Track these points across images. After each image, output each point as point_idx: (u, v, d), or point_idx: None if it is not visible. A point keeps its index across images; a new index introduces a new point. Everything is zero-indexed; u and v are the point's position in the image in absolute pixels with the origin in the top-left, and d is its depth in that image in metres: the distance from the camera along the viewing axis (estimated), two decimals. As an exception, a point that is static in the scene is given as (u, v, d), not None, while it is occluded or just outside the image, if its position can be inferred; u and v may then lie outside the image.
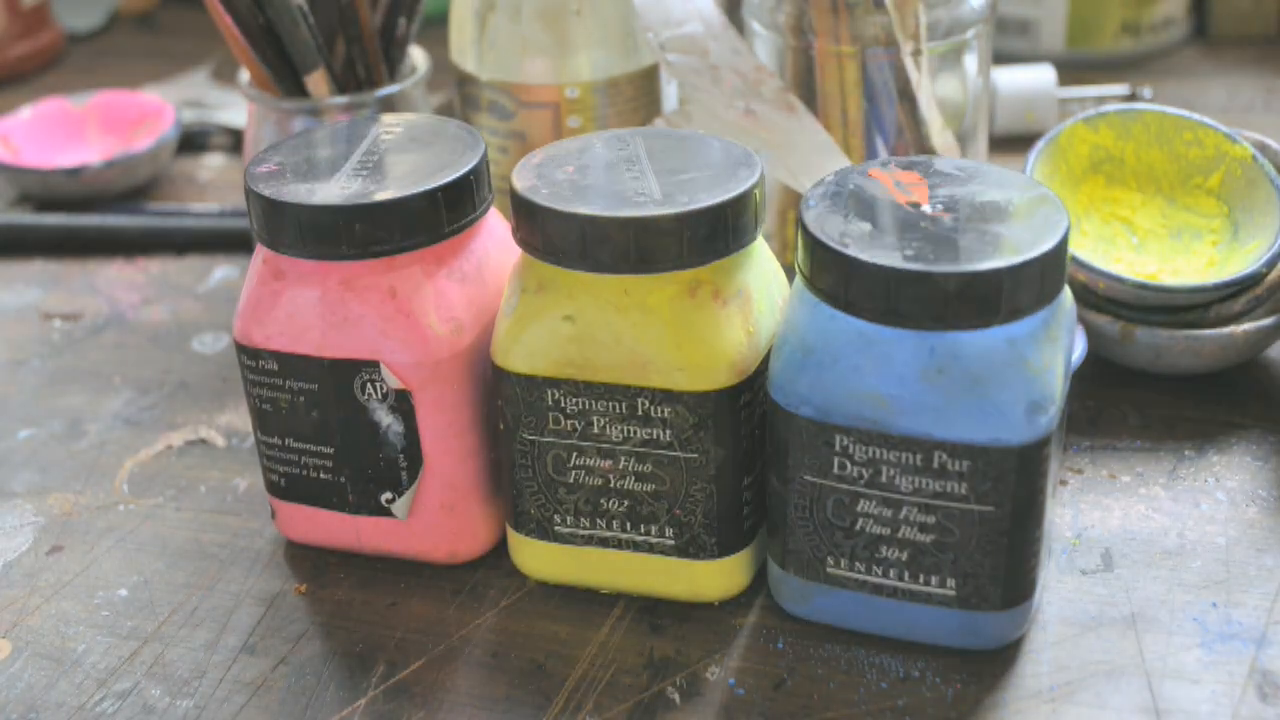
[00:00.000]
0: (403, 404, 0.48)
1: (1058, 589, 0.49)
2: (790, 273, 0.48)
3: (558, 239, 0.45)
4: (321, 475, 0.51)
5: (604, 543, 0.49)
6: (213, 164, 0.83)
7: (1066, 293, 0.45)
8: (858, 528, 0.45)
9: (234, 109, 0.88)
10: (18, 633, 0.50)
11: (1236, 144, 0.59)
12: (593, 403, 0.46)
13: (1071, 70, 0.87)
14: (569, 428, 0.47)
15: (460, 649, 0.48)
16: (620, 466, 0.47)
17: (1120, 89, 0.82)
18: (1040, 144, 0.59)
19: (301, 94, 0.62)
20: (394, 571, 0.52)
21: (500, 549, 0.52)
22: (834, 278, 0.43)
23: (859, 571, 0.46)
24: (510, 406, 0.48)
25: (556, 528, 0.49)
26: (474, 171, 0.48)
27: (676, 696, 0.46)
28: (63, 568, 0.53)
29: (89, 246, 0.74)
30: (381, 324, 0.48)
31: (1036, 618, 0.48)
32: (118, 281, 0.72)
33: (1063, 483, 0.54)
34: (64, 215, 0.75)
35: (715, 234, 0.45)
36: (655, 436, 0.46)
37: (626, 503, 0.48)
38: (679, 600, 0.49)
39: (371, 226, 0.47)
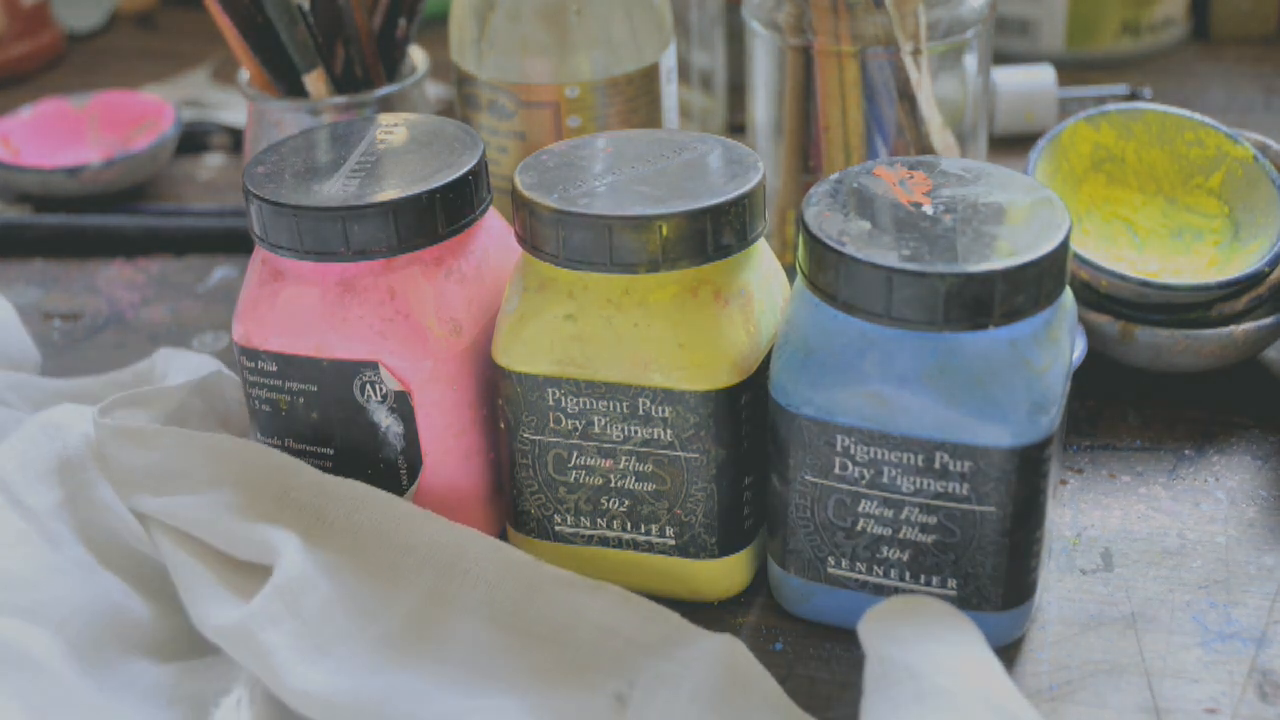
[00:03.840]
0: (402, 405, 0.48)
1: (1058, 589, 0.49)
2: (790, 273, 0.48)
3: (559, 239, 0.45)
4: (321, 475, 0.51)
5: (604, 542, 0.49)
6: (213, 164, 0.83)
7: (1068, 293, 0.45)
8: (859, 528, 0.45)
9: (234, 109, 0.88)
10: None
11: (1238, 144, 0.59)
12: (593, 402, 0.46)
13: (1071, 70, 0.87)
14: (570, 427, 0.47)
15: (460, 649, 0.48)
16: (621, 466, 0.47)
17: (1120, 89, 0.82)
18: (1042, 142, 0.59)
19: (301, 94, 0.62)
20: (394, 572, 0.52)
21: (500, 549, 0.52)
22: (832, 277, 0.43)
23: (860, 572, 0.46)
24: (511, 406, 0.48)
25: (557, 527, 0.49)
26: (473, 172, 0.48)
27: (677, 697, 0.46)
28: (63, 568, 0.53)
29: (89, 246, 0.74)
30: (380, 325, 0.48)
31: (1036, 617, 0.48)
32: (118, 281, 0.72)
33: (1063, 482, 0.54)
34: (64, 215, 0.75)
35: (717, 234, 0.45)
36: (656, 436, 0.46)
37: (627, 502, 0.48)
38: (679, 600, 0.49)
39: (370, 227, 0.47)
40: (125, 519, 0.48)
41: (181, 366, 0.57)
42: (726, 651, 0.44)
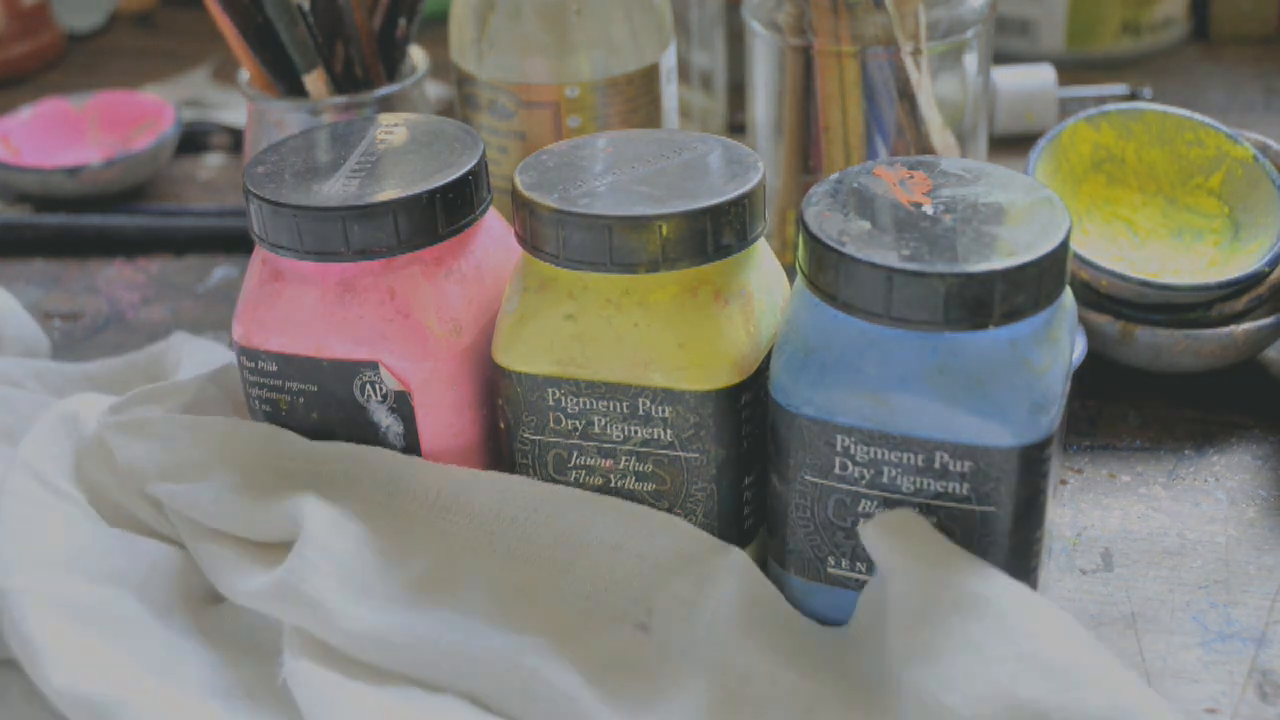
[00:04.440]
0: (402, 405, 0.48)
1: (1058, 589, 0.49)
2: (790, 273, 0.48)
3: (559, 239, 0.45)
4: (321, 475, 0.51)
5: (604, 543, 0.49)
6: (213, 164, 0.83)
7: (1068, 293, 0.45)
8: (859, 528, 0.45)
9: (234, 109, 0.88)
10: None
11: (1238, 144, 0.59)
12: (594, 402, 0.46)
13: (1071, 70, 0.87)
14: (570, 427, 0.47)
15: (460, 649, 0.48)
16: (621, 466, 0.47)
17: (1120, 89, 0.82)
18: (1042, 142, 0.59)
19: (301, 94, 0.62)
20: (394, 572, 0.52)
21: (500, 549, 0.52)
22: (832, 277, 0.43)
23: (860, 571, 0.46)
24: (511, 406, 0.48)
25: (557, 528, 0.49)
26: (473, 172, 0.48)
27: (677, 697, 0.46)
28: (63, 568, 0.53)
29: (89, 246, 0.74)
30: (381, 325, 0.48)
31: (1037, 618, 0.48)
32: (118, 281, 0.72)
33: (1063, 482, 0.54)
34: (64, 215, 0.75)
35: (717, 234, 0.45)
36: (656, 436, 0.46)
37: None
38: (679, 600, 0.49)
39: (370, 228, 0.47)
40: (143, 508, 0.49)
41: (195, 353, 0.58)
42: (740, 569, 0.45)
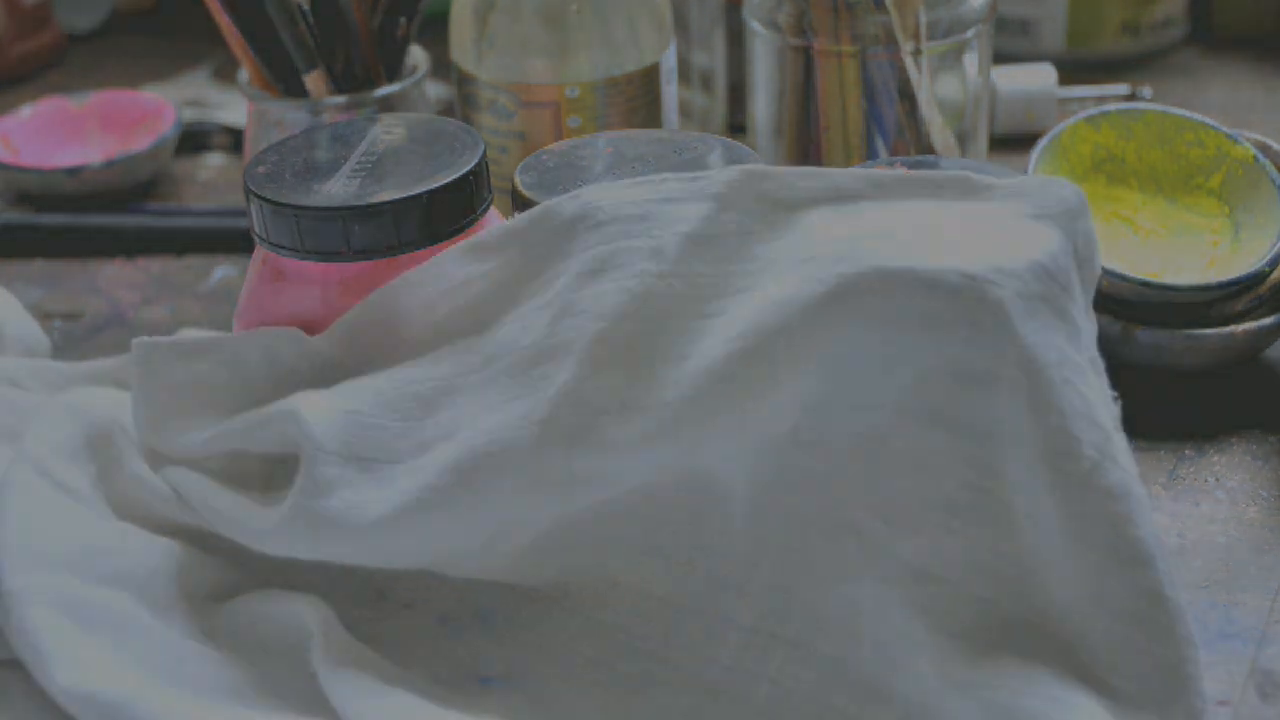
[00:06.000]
0: (403, 404, 0.48)
1: (1058, 589, 0.49)
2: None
3: (558, 239, 0.45)
4: (322, 475, 0.51)
5: (604, 543, 0.49)
6: (213, 164, 0.83)
7: (1067, 292, 0.45)
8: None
9: (234, 109, 0.88)
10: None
11: (1238, 145, 0.59)
12: (593, 403, 0.46)
13: (1071, 70, 0.87)
14: (569, 428, 0.47)
15: (460, 649, 0.48)
16: (621, 466, 0.47)
17: (1120, 89, 0.82)
18: (1043, 142, 0.59)
19: (301, 94, 0.62)
20: (394, 571, 0.52)
21: (500, 549, 0.52)
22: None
23: (859, 571, 0.46)
24: (510, 406, 0.48)
25: (557, 528, 0.49)
26: (473, 172, 0.48)
27: (677, 696, 0.46)
28: (63, 568, 0.53)
29: (89, 246, 0.74)
30: (382, 324, 0.48)
31: (1037, 618, 0.47)
32: (118, 281, 0.72)
33: (1063, 483, 0.54)
34: (64, 215, 0.75)
35: (716, 234, 0.45)
36: (656, 436, 0.46)
37: (627, 503, 0.48)
38: (679, 600, 0.49)
39: (371, 228, 0.47)
40: (153, 488, 0.49)
41: None
42: None
